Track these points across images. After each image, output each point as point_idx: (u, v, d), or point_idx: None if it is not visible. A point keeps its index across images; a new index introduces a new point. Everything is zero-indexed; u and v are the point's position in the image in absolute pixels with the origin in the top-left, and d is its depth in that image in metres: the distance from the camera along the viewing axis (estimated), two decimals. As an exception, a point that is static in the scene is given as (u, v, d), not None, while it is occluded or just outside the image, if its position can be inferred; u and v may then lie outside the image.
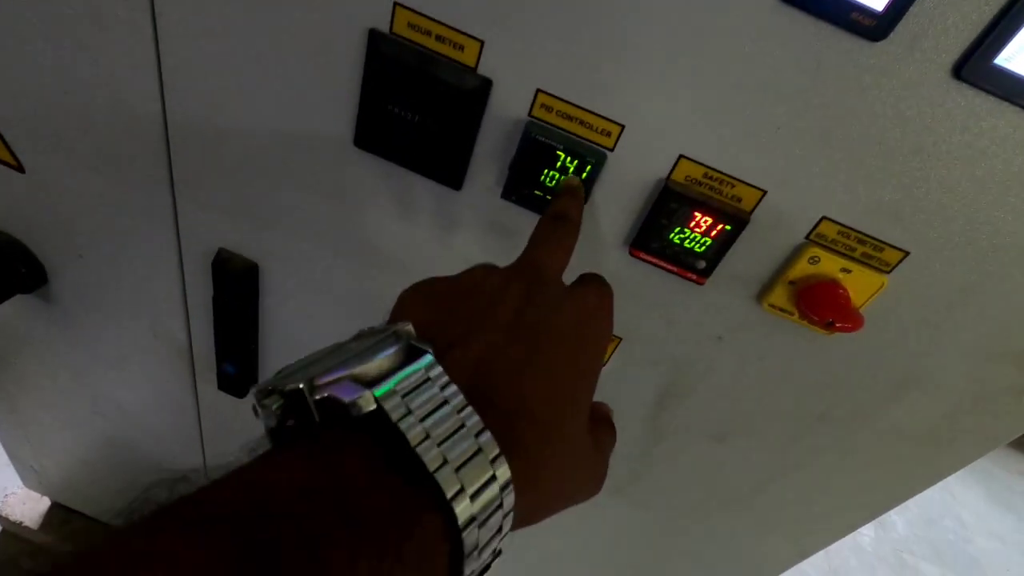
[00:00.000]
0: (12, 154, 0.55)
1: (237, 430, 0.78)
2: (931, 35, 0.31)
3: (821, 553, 0.68)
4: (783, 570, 0.66)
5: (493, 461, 0.20)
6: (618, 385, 0.53)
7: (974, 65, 0.31)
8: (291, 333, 0.62)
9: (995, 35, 0.30)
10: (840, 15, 0.31)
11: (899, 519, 2.14)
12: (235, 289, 0.57)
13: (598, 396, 0.30)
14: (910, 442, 0.49)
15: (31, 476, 1.12)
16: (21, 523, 1.16)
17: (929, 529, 2.16)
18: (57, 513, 1.19)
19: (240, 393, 0.69)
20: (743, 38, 0.34)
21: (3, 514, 1.16)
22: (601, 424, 0.30)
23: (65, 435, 0.95)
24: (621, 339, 0.50)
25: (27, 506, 1.18)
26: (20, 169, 0.56)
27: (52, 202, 0.58)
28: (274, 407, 0.19)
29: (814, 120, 0.36)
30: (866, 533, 2.04)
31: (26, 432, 0.97)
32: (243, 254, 0.56)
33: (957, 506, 2.31)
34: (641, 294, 0.47)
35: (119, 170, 0.53)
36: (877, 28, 0.31)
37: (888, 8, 0.31)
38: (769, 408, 0.51)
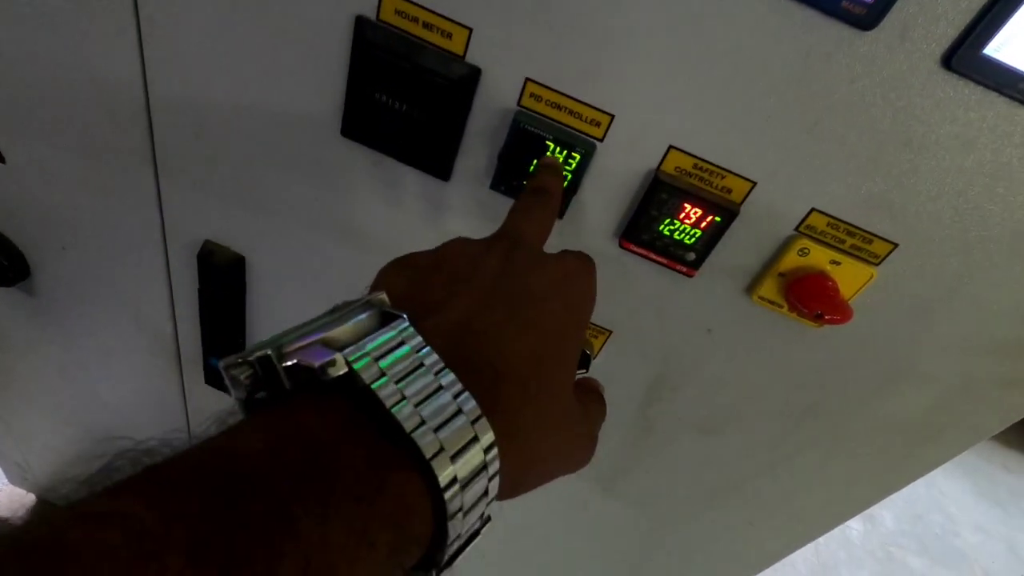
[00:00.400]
0: (-8, 143, 0.54)
1: (227, 423, 0.77)
2: (921, 25, 0.31)
3: (810, 547, 0.68)
4: (773, 562, 0.67)
5: (475, 422, 0.19)
6: (608, 377, 0.52)
7: (963, 55, 0.31)
8: (280, 326, 0.61)
9: (984, 25, 0.30)
10: (830, 3, 0.31)
11: (887, 513, 2.16)
12: (221, 282, 0.57)
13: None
14: (899, 434, 0.49)
15: (15, 472, 1.11)
16: (7, 520, 1.15)
17: (916, 523, 2.18)
18: (42, 509, 1.18)
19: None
20: (733, 27, 0.33)
21: (-13, 511, 1.15)
22: (590, 394, 0.30)
23: (50, 430, 0.93)
24: (611, 332, 0.50)
25: (12, 502, 1.17)
26: (1, 159, 0.55)
27: (34, 193, 0.57)
28: (242, 377, 0.19)
29: (804, 110, 0.35)
30: (855, 527, 2.06)
31: (9, 427, 0.96)
32: (229, 246, 0.55)
33: (944, 500, 2.33)
34: (631, 286, 0.46)
35: (102, 159, 0.52)
36: (867, 17, 0.31)
37: (878, -4, 0.30)
38: (759, 401, 0.51)
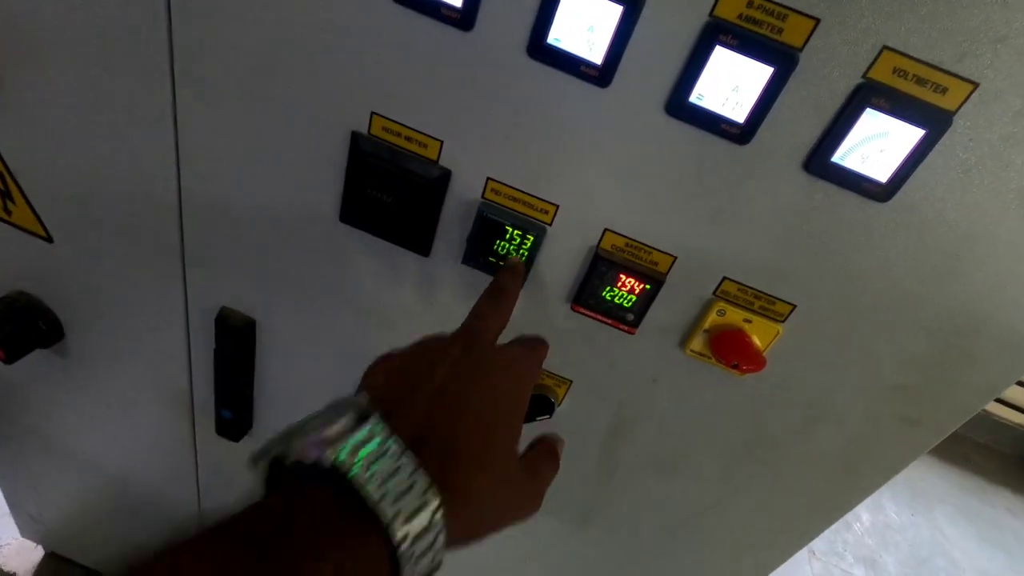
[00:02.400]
0: (44, 228, 0.63)
1: (230, 472, 0.83)
2: (783, 141, 0.41)
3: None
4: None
5: (425, 492, 0.26)
6: (573, 422, 0.60)
7: (817, 161, 0.40)
8: (284, 381, 0.69)
9: (829, 140, 0.39)
10: (713, 125, 0.41)
11: (890, 559, 2.14)
12: (234, 343, 0.65)
13: (561, 432, 0.38)
14: (824, 469, 0.56)
15: (29, 526, 1.15)
16: (15, 574, 1.18)
17: (920, 569, 2.15)
18: (50, 563, 1.21)
19: (236, 437, 0.75)
20: (649, 141, 0.43)
21: (-2, 565, 1.18)
22: (542, 455, 0.37)
23: (66, 483, 0.99)
24: (572, 381, 0.58)
25: (21, 557, 1.20)
26: (49, 240, 0.64)
27: (75, 268, 0.66)
28: (263, 467, 0.28)
29: (705, 203, 0.45)
30: (857, 574, 2.04)
31: (29, 482, 1.02)
32: (243, 311, 0.64)
33: (948, 545, 2.30)
34: (584, 342, 0.54)
35: (136, 242, 0.61)
36: (742, 135, 0.41)
37: (748, 120, 0.40)
38: (702, 441, 0.58)
